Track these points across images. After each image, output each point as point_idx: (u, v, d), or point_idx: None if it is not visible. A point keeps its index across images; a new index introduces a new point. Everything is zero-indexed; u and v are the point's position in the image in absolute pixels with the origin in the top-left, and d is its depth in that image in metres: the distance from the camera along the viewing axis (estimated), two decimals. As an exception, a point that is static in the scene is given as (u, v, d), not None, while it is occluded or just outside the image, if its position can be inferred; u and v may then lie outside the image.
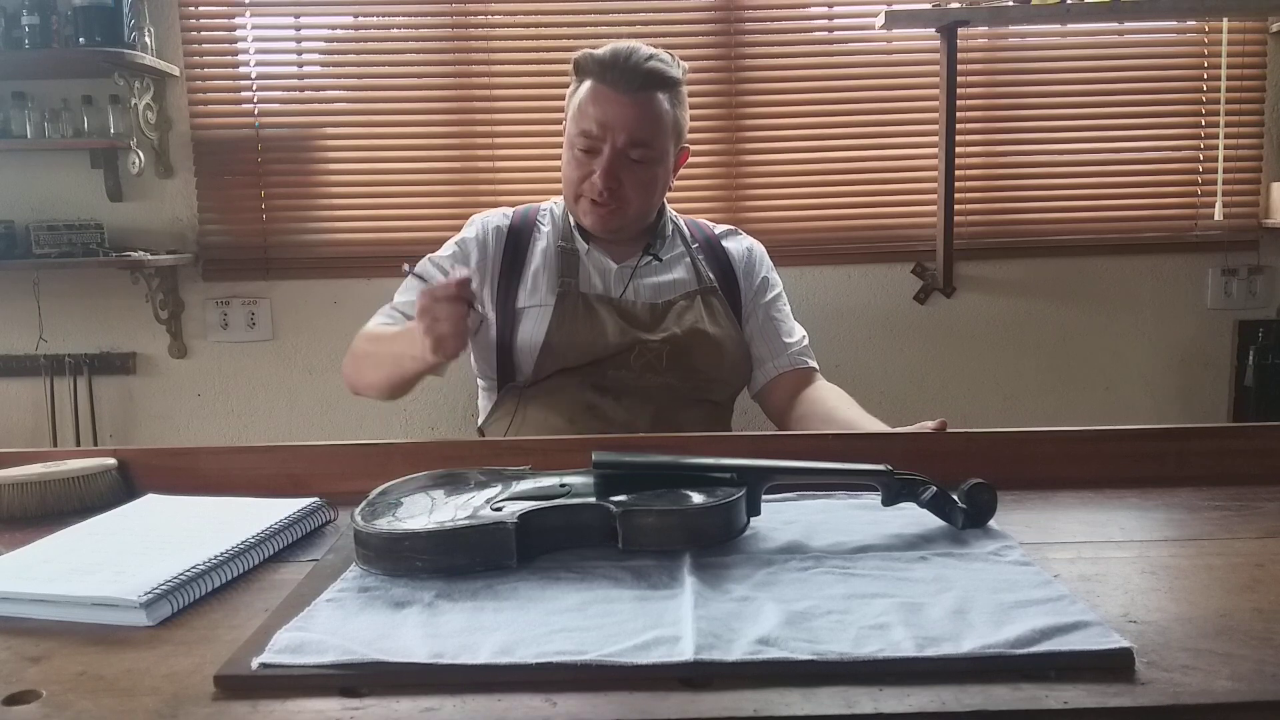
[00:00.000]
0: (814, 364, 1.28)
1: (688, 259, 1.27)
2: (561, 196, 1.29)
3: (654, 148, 1.17)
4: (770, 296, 1.29)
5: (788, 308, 1.32)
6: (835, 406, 1.17)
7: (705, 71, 2.08)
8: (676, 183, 2.05)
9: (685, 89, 1.21)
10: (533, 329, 1.19)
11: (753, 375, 1.27)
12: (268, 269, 2.10)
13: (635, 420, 1.15)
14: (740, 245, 1.32)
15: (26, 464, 0.84)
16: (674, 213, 1.33)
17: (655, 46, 1.19)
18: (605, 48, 1.17)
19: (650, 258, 1.24)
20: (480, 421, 1.30)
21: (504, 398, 1.24)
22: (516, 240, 1.24)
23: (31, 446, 0.97)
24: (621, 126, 1.14)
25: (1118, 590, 0.60)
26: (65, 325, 2.10)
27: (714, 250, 1.29)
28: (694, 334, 1.19)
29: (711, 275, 1.26)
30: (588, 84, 1.17)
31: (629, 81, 1.14)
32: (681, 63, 1.21)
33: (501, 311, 1.22)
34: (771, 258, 1.36)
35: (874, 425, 1.06)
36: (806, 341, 1.30)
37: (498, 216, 1.28)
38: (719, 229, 1.35)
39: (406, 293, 1.22)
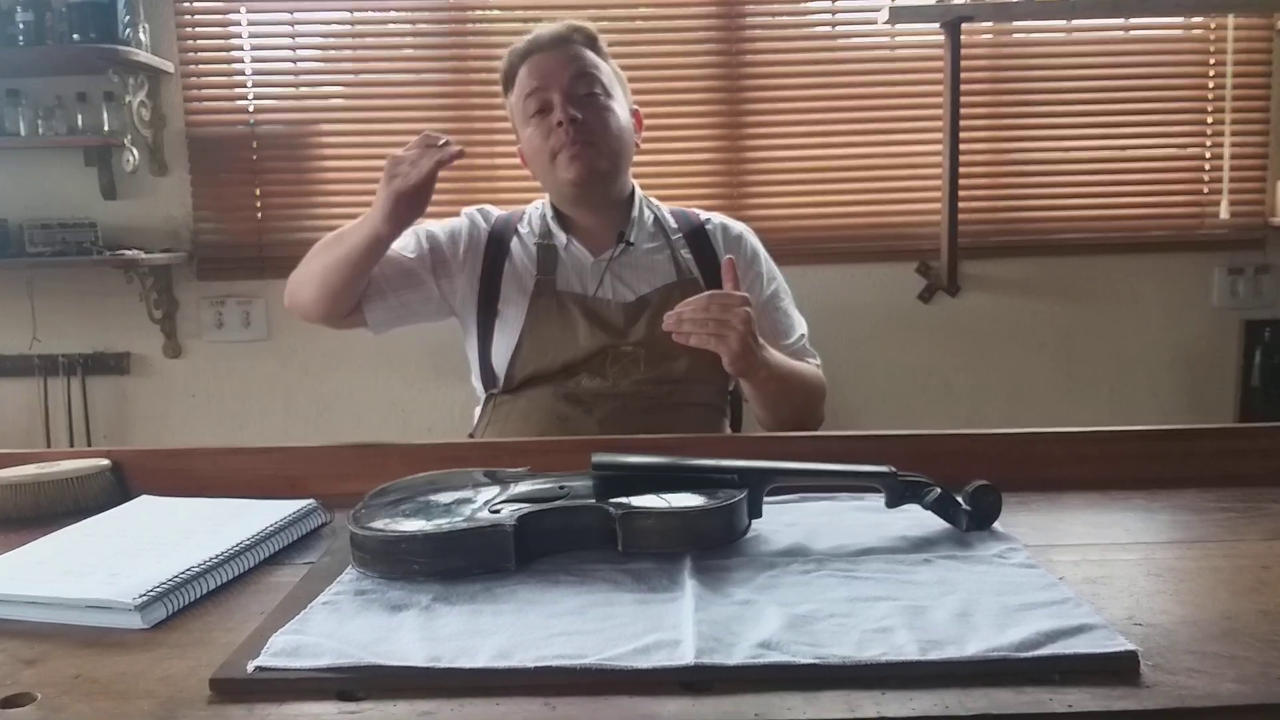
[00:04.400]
0: (813, 361, 1.23)
1: (668, 250, 1.23)
2: (540, 202, 1.27)
3: (600, 82, 1.18)
4: (767, 294, 1.24)
5: (786, 301, 1.27)
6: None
7: (706, 69, 2.07)
8: (677, 180, 2.09)
9: (607, 52, 1.24)
10: (507, 333, 1.18)
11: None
12: (263, 268, 2.09)
13: (609, 433, 1.11)
14: (728, 234, 1.26)
15: (20, 465, 0.83)
16: (656, 202, 1.29)
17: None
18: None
19: (624, 245, 1.20)
20: (470, 431, 1.29)
21: (484, 408, 1.24)
22: (498, 242, 1.23)
23: (25, 447, 0.97)
24: (561, 69, 1.17)
25: (1123, 593, 0.60)
26: (59, 325, 2.09)
27: (698, 239, 1.24)
28: (669, 336, 1.15)
29: (694, 266, 1.22)
30: (519, 70, 1.20)
31: (551, 41, 1.19)
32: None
33: (482, 318, 1.21)
34: (776, 256, 1.31)
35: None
36: (805, 340, 1.25)
37: (484, 215, 1.27)
38: (705, 216, 1.29)
39: (395, 253, 1.22)
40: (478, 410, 1.27)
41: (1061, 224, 2.11)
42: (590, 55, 1.19)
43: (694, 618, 0.54)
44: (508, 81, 1.23)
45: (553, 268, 1.20)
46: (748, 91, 2.08)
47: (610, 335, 1.16)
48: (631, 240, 1.21)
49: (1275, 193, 2.08)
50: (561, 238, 1.22)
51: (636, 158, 1.24)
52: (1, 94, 1.97)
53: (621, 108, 1.21)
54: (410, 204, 1.03)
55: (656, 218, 1.26)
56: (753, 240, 1.29)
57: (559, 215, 1.23)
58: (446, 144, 1.01)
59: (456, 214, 1.29)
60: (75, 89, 2.00)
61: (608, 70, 1.21)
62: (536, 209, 1.27)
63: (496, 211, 1.28)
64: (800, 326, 1.26)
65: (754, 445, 0.86)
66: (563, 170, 1.16)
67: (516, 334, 1.17)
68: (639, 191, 1.27)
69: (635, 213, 1.23)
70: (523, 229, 1.25)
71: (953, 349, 2.14)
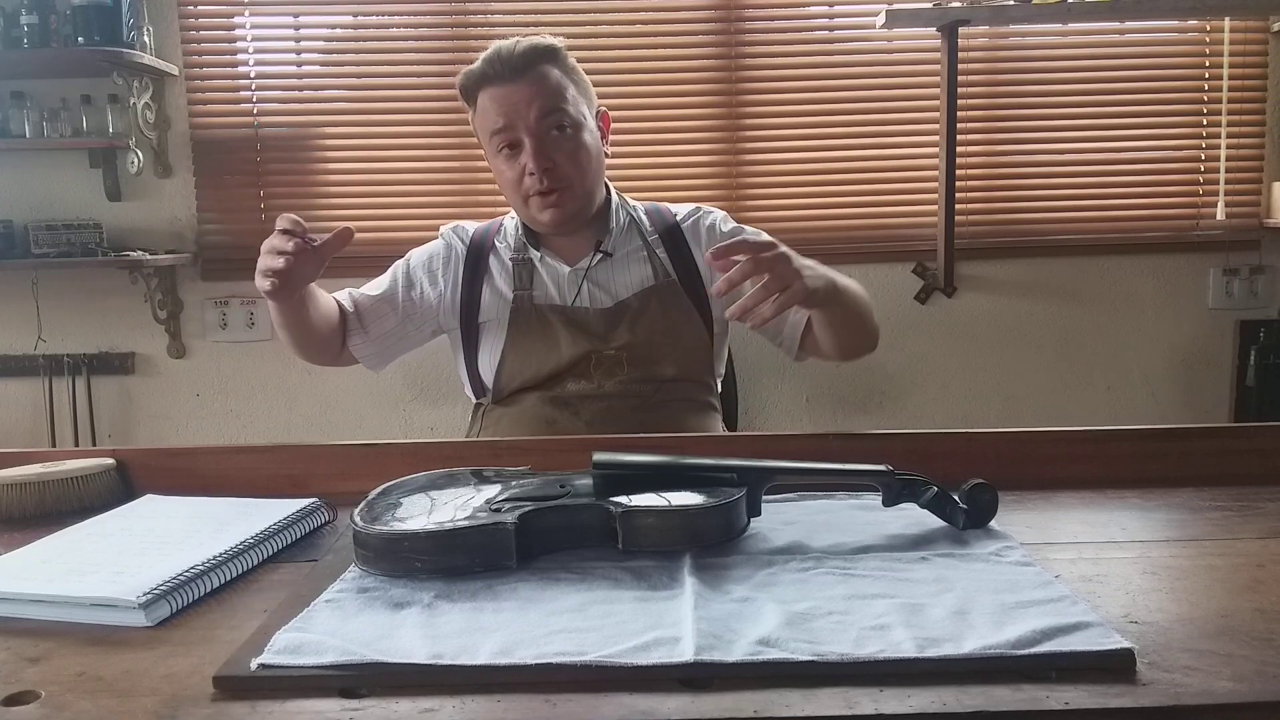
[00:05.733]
0: None
1: (644, 252, 1.20)
2: (514, 212, 1.25)
3: (568, 114, 1.14)
4: None
5: None
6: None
7: (705, 71, 2.08)
8: (676, 182, 2.10)
9: (571, 57, 1.19)
10: (491, 347, 1.18)
11: (782, 338, 1.19)
12: (267, 269, 2.10)
13: (597, 434, 1.10)
14: (699, 225, 1.24)
15: (25, 464, 0.84)
16: (632, 201, 1.27)
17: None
18: (479, 59, 1.16)
19: (601, 255, 1.19)
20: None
21: (474, 416, 1.24)
22: (476, 259, 1.22)
23: (30, 447, 0.97)
24: (526, 105, 1.12)
25: (1119, 591, 0.60)
26: (64, 325, 2.10)
27: (673, 238, 1.23)
28: (651, 339, 1.16)
29: (670, 266, 1.20)
30: (481, 94, 1.15)
31: (513, 68, 1.13)
32: (557, 38, 1.19)
33: (466, 332, 1.21)
34: None
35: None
36: None
37: (460, 235, 1.26)
38: (680, 212, 1.26)
39: (372, 286, 1.25)
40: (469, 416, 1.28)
41: (1058, 225, 2.12)
42: (554, 79, 1.14)
43: (693, 615, 0.54)
44: (468, 98, 1.18)
45: (530, 281, 1.19)
46: (746, 94, 2.09)
47: (592, 341, 1.15)
48: (610, 252, 1.20)
49: (1270, 194, 2.09)
50: (535, 253, 1.21)
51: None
52: (6, 96, 1.98)
53: (591, 132, 1.17)
54: (281, 294, 1.00)
55: (632, 219, 1.24)
56: (726, 222, 1.25)
57: (532, 231, 1.22)
58: (299, 237, 0.96)
59: (450, 221, 1.29)
60: (80, 91, 2.01)
61: (573, 92, 1.15)
62: (512, 219, 1.25)
63: (472, 228, 1.27)
64: None
65: (753, 444, 0.87)
66: (536, 213, 1.16)
67: (500, 349, 1.17)
68: (615, 198, 1.24)
69: (613, 223, 1.21)
70: (499, 243, 1.23)
71: (949, 349, 2.14)
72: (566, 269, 1.20)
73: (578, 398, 1.15)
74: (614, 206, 1.23)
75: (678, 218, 1.26)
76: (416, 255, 1.27)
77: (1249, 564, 0.64)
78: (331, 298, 1.19)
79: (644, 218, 1.25)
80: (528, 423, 1.16)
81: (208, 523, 0.73)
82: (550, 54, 1.15)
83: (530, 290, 1.19)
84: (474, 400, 1.26)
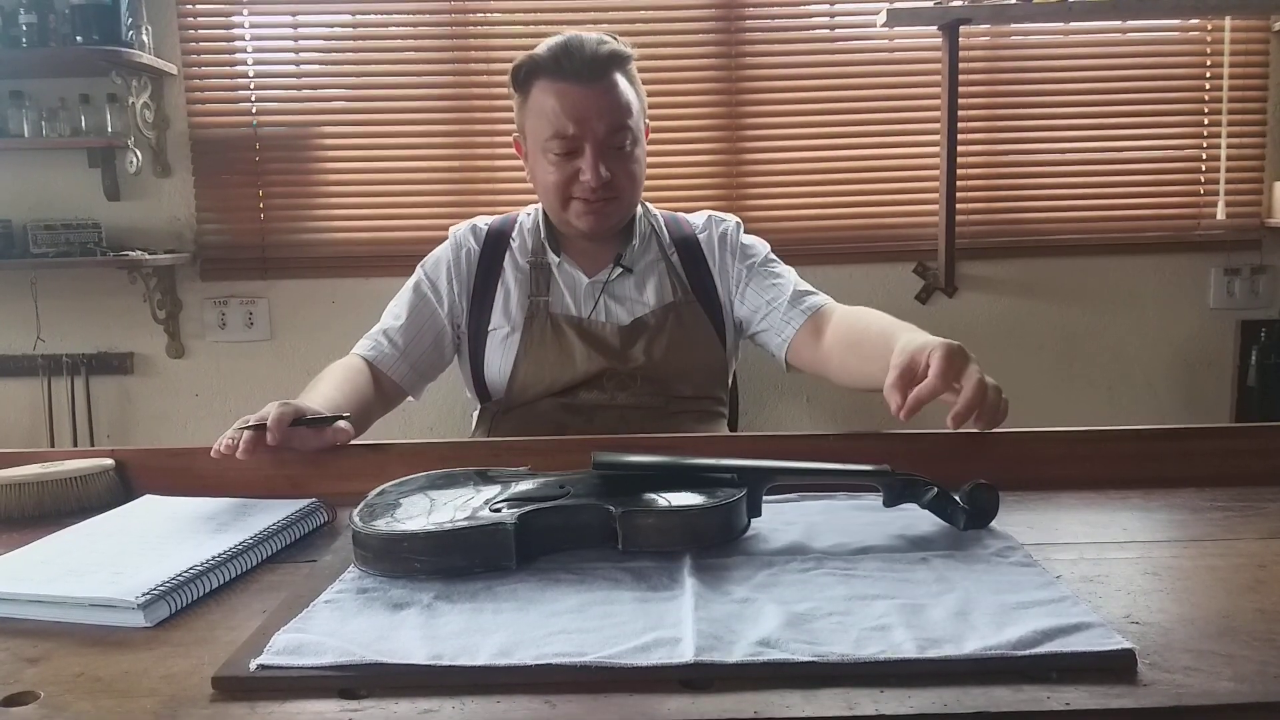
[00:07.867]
0: (817, 302, 1.15)
1: (663, 265, 1.19)
2: (532, 207, 1.23)
3: (631, 130, 1.12)
4: (755, 272, 1.20)
5: (776, 265, 1.22)
6: (858, 340, 1.06)
7: (705, 71, 2.08)
8: (677, 181, 2.09)
9: (637, 73, 1.16)
10: (501, 355, 1.16)
11: (772, 350, 1.19)
12: (266, 268, 2.10)
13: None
14: (712, 236, 1.22)
15: (24, 464, 0.84)
16: (654, 210, 1.25)
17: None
18: (545, 46, 1.11)
19: (621, 269, 1.17)
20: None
21: (481, 419, 1.23)
22: (490, 258, 1.19)
23: (29, 447, 0.97)
24: (598, 117, 1.09)
25: (1120, 591, 0.60)
26: (63, 325, 2.10)
27: (690, 251, 1.22)
28: (666, 359, 1.15)
29: (688, 282, 1.19)
30: (543, 84, 1.10)
31: (591, 70, 1.09)
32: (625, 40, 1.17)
33: (474, 334, 1.19)
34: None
35: (901, 331, 0.98)
36: (796, 286, 1.18)
37: (473, 234, 1.22)
38: (697, 222, 1.25)
39: (395, 315, 1.19)
40: (475, 416, 1.26)
41: (1059, 225, 2.12)
42: (624, 90, 1.11)
43: (693, 616, 0.54)
44: (523, 84, 1.13)
45: (546, 288, 1.17)
46: (747, 93, 2.09)
47: (608, 358, 1.14)
48: (631, 267, 1.18)
49: (1271, 193, 2.08)
50: (554, 258, 1.19)
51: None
52: (5, 95, 1.98)
53: (643, 147, 1.16)
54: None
55: (653, 229, 1.23)
56: (734, 234, 1.24)
57: (552, 232, 1.20)
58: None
59: (458, 222, 1.26)
60: (78, 90, 2.00)
61: (637, 105, 1.13)
62: (529, 218, 1.23)
63: (486, 226, 1.23)
64: (791, 275, 1.21)
65: (753, 444, 0.87)
66: (575, 218, 1.14)
67: (512, 356, 1.15)
68: (640, 207, 1.23)
69: (636, 238, 1.20)
70: (514, 243, 1.21)
71: (952, 350, 2.13)
72: (585, 280, 1.18)
73: (590, 406, 1.14)
74: (638, 217, 1.21)
75: (695, 229, 1.24)
76: (431, 265, 1.22)
77: (1250, 564, 0.64)
78: (349, 376, 1.10)
79: (663, 228, 1.24)
80: (539, 429, 1.14)
81: (207, 523, 0.73)
82: (624, 62, 1.13)
83: (546, 297, 1.17)
84: (477, 404, 1.25)
